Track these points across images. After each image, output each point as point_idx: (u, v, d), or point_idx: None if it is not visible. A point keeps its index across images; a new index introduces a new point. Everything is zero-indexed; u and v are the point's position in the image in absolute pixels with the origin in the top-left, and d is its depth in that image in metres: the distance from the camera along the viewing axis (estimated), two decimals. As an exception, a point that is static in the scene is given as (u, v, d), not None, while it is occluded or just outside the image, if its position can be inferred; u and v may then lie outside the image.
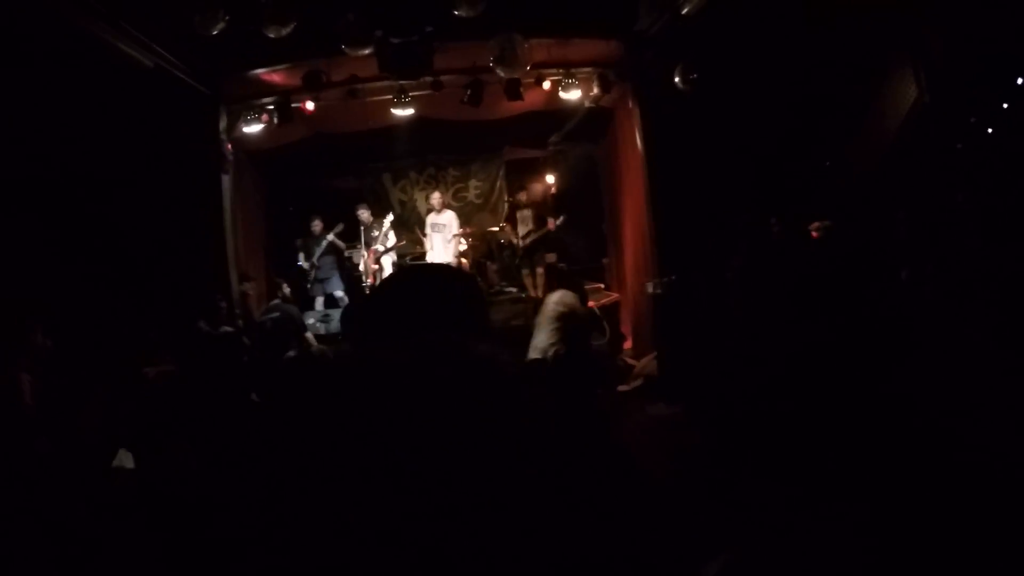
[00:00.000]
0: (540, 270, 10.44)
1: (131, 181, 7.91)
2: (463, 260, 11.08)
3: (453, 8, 6.98)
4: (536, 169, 12.58)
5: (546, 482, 1.13)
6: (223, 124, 9.33)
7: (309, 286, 10.66)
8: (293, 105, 9.28)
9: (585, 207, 11.52)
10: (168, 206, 8.31)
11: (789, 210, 7.95)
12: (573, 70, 9.46)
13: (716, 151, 8.70)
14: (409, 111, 9.44)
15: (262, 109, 9.37)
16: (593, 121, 11.03)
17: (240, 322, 9.05)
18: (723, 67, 8.35)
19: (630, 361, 9.56)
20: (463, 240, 11.18)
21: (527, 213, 10.82)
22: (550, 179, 12.32)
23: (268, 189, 11.48)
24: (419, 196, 12.54)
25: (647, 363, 8.97)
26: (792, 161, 8.87)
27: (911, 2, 7.13)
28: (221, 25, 6.72)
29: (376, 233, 10.87)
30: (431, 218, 11.11)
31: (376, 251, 10.81)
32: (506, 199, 12.43)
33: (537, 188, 11.88)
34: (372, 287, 10.70)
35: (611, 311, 9.70)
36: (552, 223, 10.50)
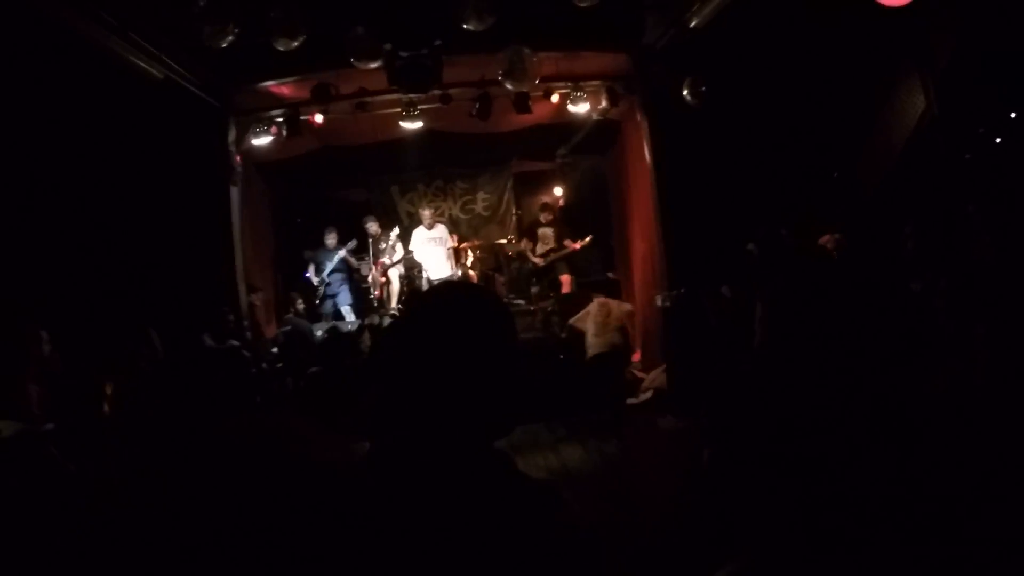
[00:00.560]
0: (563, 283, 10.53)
1: (140, 192, 7.93)
2: (471, 272, 11.07)
3: (462, 22, 6.98)
4: (544, 182, 12.59)
5: None
6: (232, 136, 9.36)
7: (318, 302, 10.61)
8: (302, 117, 9.31)
9: (593, 220, 11.50)
10: (177, 217, 8.33)
11: (798, 222, 7.91)
12: (581, 83, 9.49)
13: (724, 164, 8.68)
14: (418, 124, 9.46)
15: (271, 121, 9.41)
16: (601, 133, 11.04)
17: (248, 334, 9.05)
18: (731, 80, 8.34)
19: (639, 374, 9.52)
20: (470, 252, 11.17)
21: (548, 232, 10.83)
22: (558, 191, 12.33)
23: (276, 201, 11.51)
24: (427, 209, 12.54)
25: (656, 376, 8.93)
26: (800, 173, 8.85)
27: (918, 14, 7.11)
28: (231, 38, 6.73)
29: (384, 245, 10.87)
30: (422, 234, 11.02)
31: (383, 264, 10.81)
32: (515, 212, 12.43)
33: (558, 206, 11.93)
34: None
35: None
36: (579, 244, 10.55)
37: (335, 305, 10.81)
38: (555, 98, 9.52)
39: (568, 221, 11.34)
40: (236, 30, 6.70)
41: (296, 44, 6.99)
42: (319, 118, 9.30)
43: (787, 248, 5.40)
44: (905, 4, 5.47)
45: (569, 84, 9.46)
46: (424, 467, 1.16)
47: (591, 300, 8.56)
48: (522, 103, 9.09)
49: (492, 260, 11.95)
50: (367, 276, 11.04)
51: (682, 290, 8.26)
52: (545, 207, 11.27)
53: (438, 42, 7.83)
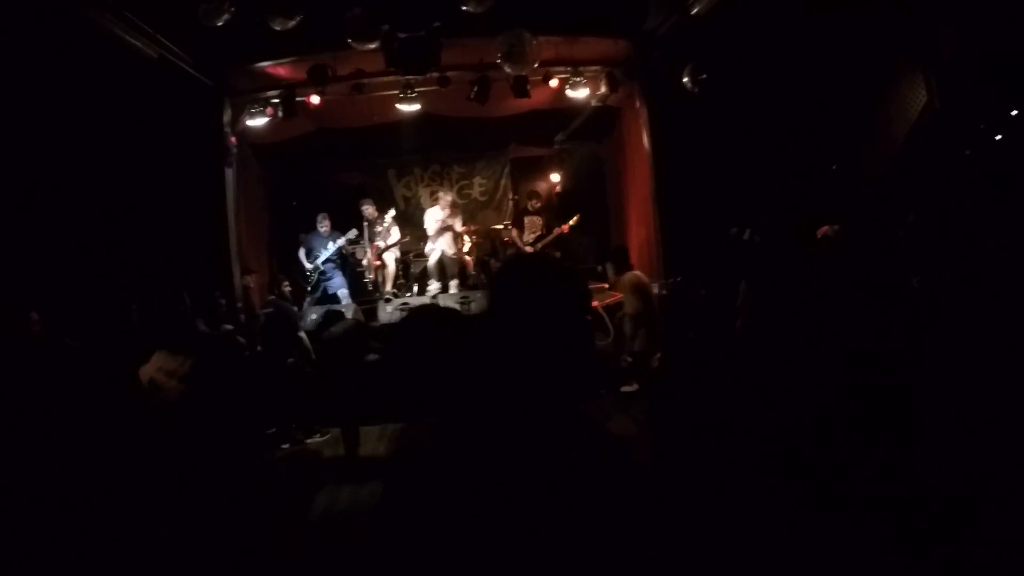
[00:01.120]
0: None
1: (133, 172, 7.85)
2: (467, 258, 11.00)
3: (461, 4, 6.91)
4: (541, 168, 12.51)
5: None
6: (227, 117, 9.28)
7: (309, 288, 10.44)
8: (298, 99, 9.22)
9: (589, 206, 11.44)
10: (171, 198, 8.25)
11: (795, 213, 7.89)
12: (581, 68, 9.42)
13: (722, 153, 8.63)
14: (415, 106, 9.37)
15: (267, 102, 9.32)
16: (599, 120, 10.98)
17: (242, 316, 8.99)
18: (732, 68, 8.28)
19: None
20: (467, 237, 11.10)
21: (536, 219, 10.73)
22: (555, 178, 12.25)
23: (271, 183, 11.42)
24: (423, 193, 12.44)
25: (654, 362, 8.90)
26: (799, 164, 8.80)
27: (922, 6, 7.06)
28: (226, 16, 6.66)
29: (379, 229, 10.78)
30: (436, 216, 10.84)
31: (378, 247, 10.73)
32: (511, 197, 12.36)
33: (546, 191, 11.84)
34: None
35: (615, 311, 9.62)
36: (566, 226, 10.46)
37: (328, 289, 10.67)
38: (554, 83, 9.44)
39: (561, 207, 11.24)
40: (232, 9, 6.63)
41: (293, 24, 6.91)
42: (315, 99, 9.21)
43: (786, 237, 5.38)
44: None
45: (568, 69, 9.39)
46: (531, 427, 1.30)
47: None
48: (520, 87, 9.01)
49: (488, 245, 11.89)
50: (362, 260, 10.95)
51: (679, 278, 8.24)
52: (532, 194, 11.15)
53: (437, 24, 7.76)
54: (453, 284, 10.55)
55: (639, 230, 10.22)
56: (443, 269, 10.67)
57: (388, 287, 10.73)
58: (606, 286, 10.78)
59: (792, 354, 4.22)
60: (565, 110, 10.62)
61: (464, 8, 6.92)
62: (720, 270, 7.45)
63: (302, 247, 10.51)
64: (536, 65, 8.36)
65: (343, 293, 10.54)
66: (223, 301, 8.39)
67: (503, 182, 12.61)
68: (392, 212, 10.92)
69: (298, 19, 6.88)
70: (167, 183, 8.21)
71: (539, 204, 10.94)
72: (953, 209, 5.84)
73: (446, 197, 10.91)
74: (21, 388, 3.74)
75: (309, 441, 8.02)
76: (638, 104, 9.78)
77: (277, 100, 9.27)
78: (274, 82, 9.33)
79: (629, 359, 8.66)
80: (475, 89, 9.11)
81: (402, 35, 7.74)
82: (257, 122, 9.36)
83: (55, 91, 6.61)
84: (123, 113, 7.44)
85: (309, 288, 10.38)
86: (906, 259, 5.43)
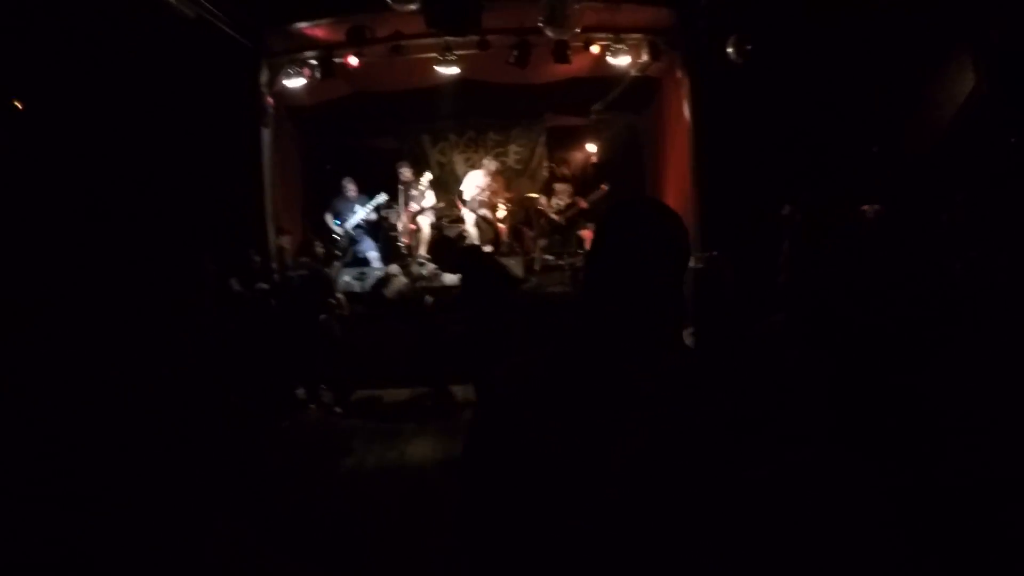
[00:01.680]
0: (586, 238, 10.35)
1: (170, 131, 7.87)
2: (500, 225, 10.96)
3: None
4: (577, 137, 12.36)
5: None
6: (264, 77, 9.27)
7: (339, 252, 10.42)
8: (335, 60, 9.17)
9: (626, 178, 11.30)
10: (208, 157, 8.28)
11: (835, 191, 7.72)
12: (622, 35, 9.24)
13: (764, 127, 8.45)
14: (453, 70, 9.29)
15: (304, 63, 9.28)
16: (637, 91, 10.80)
17: (276, 276, 9.04)
18: (776, 41, 8.07)
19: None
20: (501, 205, 11.03)
21: (564, 187, 10.62)
22: (591, 148, 12.10)
23: (306, 145, 11.43)
24: (458, 159, 12.39)
25: (684, 337, 8.83)
26: (841, 142, 8.59)
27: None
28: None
29: (415, 192, 10.75)
30: (476, 180, 10.79)
31: (412, 210, 10.71)
32: (546, 165, 12.26)
33: (578, 160, 11.71)
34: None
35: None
36: (584, 202, 10.36)
37: (358, 252, 10.68)
38: (595, 49, 9.28)
39: (595, 179, 11.10)
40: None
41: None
42: (353, 61, 9.15)
43: (827, 214, 5.28)
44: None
45: (610, 35, 9.22)
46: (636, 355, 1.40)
47: None
48: (561, 52, 8.88)
49: (522, 214, 11.81)
50: (396, 224, 10.93)
51: (714, 252, 8.12)
52: (562, 161, 11.06)
53: (478, -15, 7.66)
54: (487, 250, 10.53)
55: (676, 203, 10.07)
56: (478, 234, 10.66)
57: (422, 251, 10.72)
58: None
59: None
60: (603, 79, 10.45)
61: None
62: (756, 247, 7.34)
63: (328, 211, 10.51)
64: (578, 30, 8.23)
65: (373, 256, 10.57)
66: (257, 259, 8.43)
67: (538, 151, 12.51)
68: (428, 176, 10.88)
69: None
70: (203, 142, 8.22)
71: (567, 172, 10.84)
72: (1007, 190, 5.68)
73: (490, 164, 10.86)
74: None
75: (336, 407, 8.06)
76: (679, 75, 9.60)
77: (315, 61, 9.23)
78: (312, 43, 9.29)
79: None
80: (515, 53, 8.99)
81: (443, -4, 7.65)
82: (294, 83, 9.35)
83: (93, 49, 6.61)
84: (160, 72, 7.44)
85: (339, 252, 10.39)
86: (948, 241, 5.30)
